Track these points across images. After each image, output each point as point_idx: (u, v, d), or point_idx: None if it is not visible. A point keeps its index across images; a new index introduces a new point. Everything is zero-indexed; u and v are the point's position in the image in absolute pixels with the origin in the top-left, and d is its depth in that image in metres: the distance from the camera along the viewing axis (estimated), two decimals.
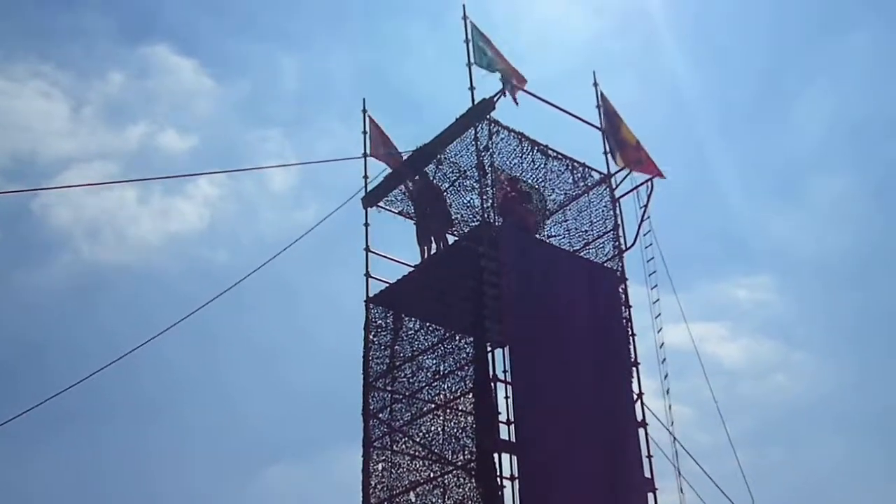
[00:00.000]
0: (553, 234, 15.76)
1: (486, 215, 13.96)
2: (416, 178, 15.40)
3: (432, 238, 15.23)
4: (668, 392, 14.60)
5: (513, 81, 14.50)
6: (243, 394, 37.46)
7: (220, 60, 47.03)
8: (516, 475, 12.09)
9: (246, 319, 39.10)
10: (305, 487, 35.98)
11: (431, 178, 15.40)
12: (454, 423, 13.25)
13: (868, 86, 43.00)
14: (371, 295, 15.21)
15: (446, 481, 13.07)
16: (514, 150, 15.06)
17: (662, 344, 14.90)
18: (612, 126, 16.12)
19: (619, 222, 15.54)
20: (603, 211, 15.72)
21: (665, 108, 43.44)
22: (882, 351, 37.95)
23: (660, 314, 15.04)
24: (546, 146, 15.40)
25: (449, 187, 15.40)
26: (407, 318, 14.85)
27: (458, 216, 15.30)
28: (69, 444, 34.74)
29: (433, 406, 13.75)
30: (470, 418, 12.99)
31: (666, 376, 14.68)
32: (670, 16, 44.67)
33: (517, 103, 14.52)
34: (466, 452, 12.80)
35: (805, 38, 46.22)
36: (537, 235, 15.33)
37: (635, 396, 14.28)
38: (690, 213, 41.42)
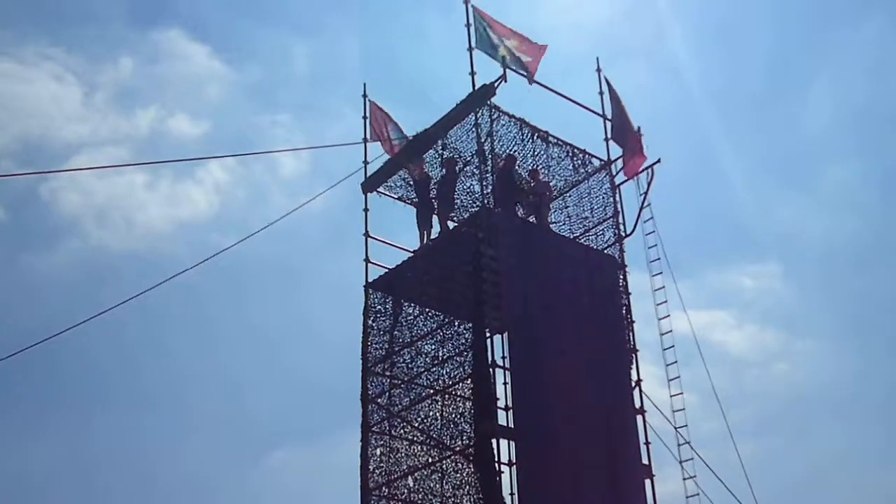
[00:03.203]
0: (553, 220, 15.72)
1: (485, 201, 13.92)
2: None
3: (436, 222, 15.16)
4: (670, 381, 14.63)
5: (526, 59, 14.42)
6: (245, 380, 37.54)
7: (231, 46, 46.88)
8: (514, 461, 12.12)
9: (248, 306, 39.17)
10: (306, 472, 36.11)
11: (439, 163, 15.37)
12: (452, 409, 13.26)
13: (875, 75, 42.91)
14: (371, 280, 15.21)
15: (444, 466, 13.09)
16: (515, 136, 15.02)
17: (668, 332, 14.89)
18: (616, 112, 16.06)
19: (619, 209, 15.51)
20: (603, 198, 15.69)
21: (671, 95, 43.36)
22: (884, 339, 38.03)
23: (665, 301, 15.06)
24: (546, 132, 15.35)
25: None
26: (406, 304, 14.83)
27: (458, 202, 15.26)
28: (70, 430, 34.84)
29: (432, 391, 13.75)
30: (468, 404, 12.98)
31: (672, 363, 14.68)
32: (678, 3, 44.57)
33: (533, 78, 14.43)
34: (465, 438, 12.81)
35: (812, 27, 46.15)
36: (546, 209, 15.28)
37: (634, 383, 14.28)
38: (696, 201, 41.46)
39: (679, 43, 42.77)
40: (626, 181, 15.56)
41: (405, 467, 13.67)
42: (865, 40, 43.13)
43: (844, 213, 42.73)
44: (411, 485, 13.51)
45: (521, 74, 14.43)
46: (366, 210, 15.82)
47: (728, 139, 42.41)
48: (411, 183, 15.82)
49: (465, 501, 12.51)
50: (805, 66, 45.56)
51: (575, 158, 15.71)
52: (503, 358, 13.02)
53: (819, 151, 44.86)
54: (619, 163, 15.74)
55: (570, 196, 15.89)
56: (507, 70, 14.26)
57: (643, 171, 15.34)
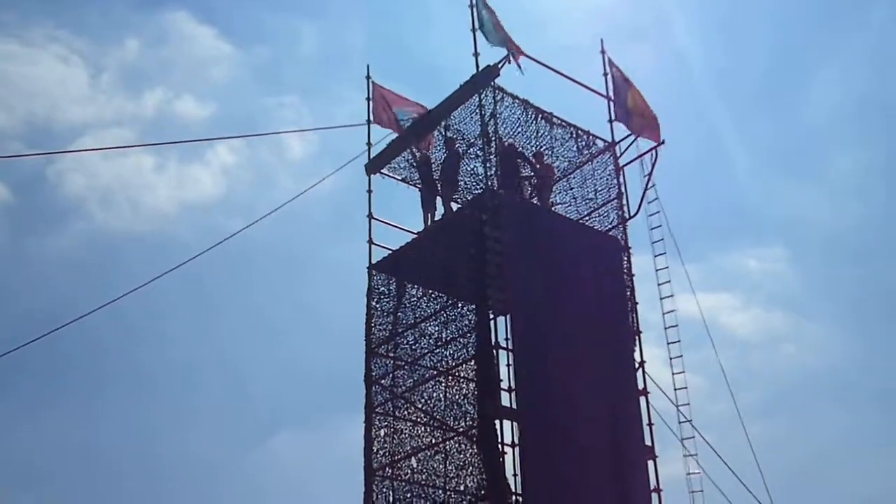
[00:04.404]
0: (557, 201, 15.69)
1: (489, 183, 13.89)
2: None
3: (440, 204, 15.14)
4: (672, 359, 14.62)
5: (513, 50, 14.38)
6: (247, 364, 37.61)
7: (239, 28, 46.64)
8: (517, 442, 12.15)
9: (251, 289, 39.17)
10: (309, 455, 36.25)
11: (442, 144, 15.34)
12: (456, 390, 13.28)
13: (880, 64, 42.71)
14: (374, 262, 15.20)
15: (448, 447, 13.13)
16: (519, 117, 14.96)
17: (671, 311, 14.90)
18: (619, 94, 16.01)
19: (623, 190, 15.48)
20: (607, 179, 15.64)
21: (676, 80, 43.11)
22: (886, 325, 38.03)
23: (669, 280, 15.05)
24: (551, 113, 15.28)
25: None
26: (410, 285, 14.83)
27: (462, 183, 15.22)
28: (73, 414, 34.94)
29: (435, 373, 13.77)
30: (471, 385, 13.01)
31: (674, 342, 14.67)
32: None
33: (522, 71, 14.43)
34: (468, 419, 12.85)
35: (817, 15, 45.78)
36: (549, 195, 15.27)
37: (637, 365, 14.29)
38: (702, 185, 41.45)
39: (684, 28, 42.55)
40: (630, 163, 15.54)
41: (409, 448, 13.73)
42: (870, 29, 42.86)
43: (848, 200, 42.66)
44: (415, 465, 13.56)
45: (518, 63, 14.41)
46: (369, 191, 15.81)
47: (733, 125, 42.34)
48: (415, 164, 15.78)
49: (468, 482, 12.57)
50: (810, 54, 45.37)
51: (579, 140, 15.64)
52: (506, 339, 13.07)
53: (824, 139, 44.79)
54: (624, 144, 15.72)
55: (573, 177, 15.83)
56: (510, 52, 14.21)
57: (648, 152, 15.31)
